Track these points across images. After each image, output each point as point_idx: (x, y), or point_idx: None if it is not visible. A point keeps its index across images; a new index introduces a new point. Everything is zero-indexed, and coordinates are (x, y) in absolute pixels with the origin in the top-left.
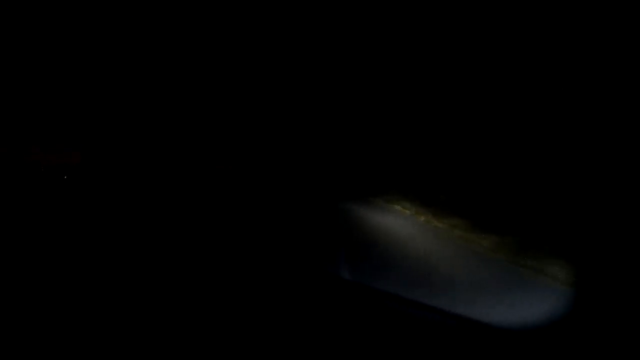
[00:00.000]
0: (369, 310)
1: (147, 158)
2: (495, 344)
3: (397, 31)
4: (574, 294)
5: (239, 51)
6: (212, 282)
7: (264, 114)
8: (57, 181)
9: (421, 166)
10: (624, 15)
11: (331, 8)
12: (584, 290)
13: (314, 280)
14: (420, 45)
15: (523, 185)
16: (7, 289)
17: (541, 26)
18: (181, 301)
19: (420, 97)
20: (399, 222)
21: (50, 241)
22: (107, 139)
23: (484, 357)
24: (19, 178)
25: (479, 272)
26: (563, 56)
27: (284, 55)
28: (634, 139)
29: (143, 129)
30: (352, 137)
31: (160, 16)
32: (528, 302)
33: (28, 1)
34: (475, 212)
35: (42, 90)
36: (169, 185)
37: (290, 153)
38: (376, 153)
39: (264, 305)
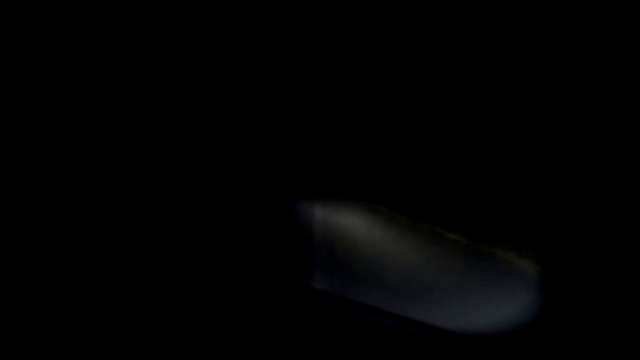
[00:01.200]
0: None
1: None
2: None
3: (388, 32)
4: (552, 286)
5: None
6: (174, 291)
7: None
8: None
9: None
10: (624, 15)
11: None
12: (553, 282)
13: (288, 292)
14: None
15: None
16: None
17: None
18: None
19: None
20: (381, 227)
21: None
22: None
23: None
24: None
25: (471, 276)
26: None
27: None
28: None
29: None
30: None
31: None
32: (499, 299)
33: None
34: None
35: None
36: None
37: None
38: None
39: (235, 318)
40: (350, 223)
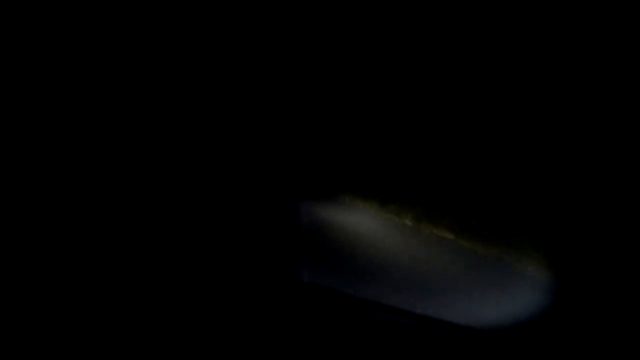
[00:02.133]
0: (336, 314)
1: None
2: (468, 345)
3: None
4: (553, 286)
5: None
6: (172, 287)
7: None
8: None
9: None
10: (624, 15)
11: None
12: (562, 283)
13: (278, 285)
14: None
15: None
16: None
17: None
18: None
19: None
20: (367, 221)
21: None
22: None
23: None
24: None
25: (457, 270)
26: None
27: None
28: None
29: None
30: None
31: None
32: (505, 299)
33: None
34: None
35: None
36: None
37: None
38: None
39: (227, 309)
40: (351, 220)
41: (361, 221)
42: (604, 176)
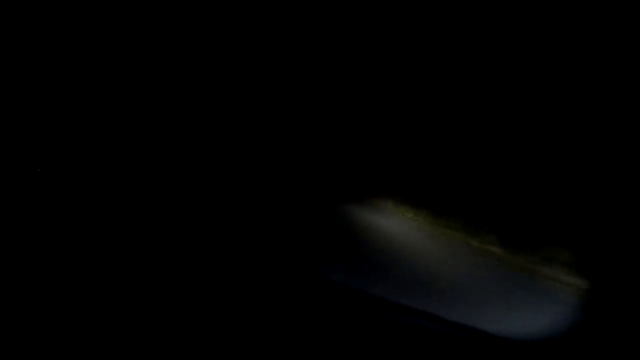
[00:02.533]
0: (364, 317)
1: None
2: (500, 355)
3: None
4: (585, 302)
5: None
6: (201, 283)
7: (254, 111)
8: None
9: (413, 166)
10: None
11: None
12: (596, 298)
13: (307, 284)
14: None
15: (519, 185)
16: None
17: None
18: (169, 302)
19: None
20: (395, 224)
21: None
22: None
23: None
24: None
25: (480, 275)
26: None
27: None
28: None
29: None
30: (345, 136)
31: None
32: (539, 311)
33: None
34: (472, 212)
35: None
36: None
37: (282, 151)
38: (368, 152)
39: (255, 307)
40: (383, 225)
41: (393, 225)
42: (635, 180)
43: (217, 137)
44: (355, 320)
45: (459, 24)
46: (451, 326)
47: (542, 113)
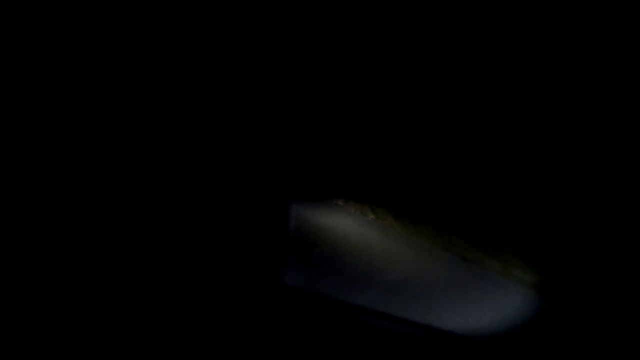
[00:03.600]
0: (319, 318)
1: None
2: (456, 350)
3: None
4: (536, 294)
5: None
6: (157, 285)
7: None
8: None
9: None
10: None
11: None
12: (546, 291)
13: (262, 287)
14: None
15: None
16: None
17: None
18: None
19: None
20: (356, 225)
21: None
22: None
23: None
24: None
25: (438, 273)
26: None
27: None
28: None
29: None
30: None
31: None
32: (495, 306)
33: None
34: (432, 212)
35: None
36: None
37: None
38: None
39: (212, 308)
40: (338, 226)
41: (352, 226)
42: (588, 182)
43: (176, 140)
44: (311, 321)
45: (433, 41)
46: (408, 324)
47: (494, 119)
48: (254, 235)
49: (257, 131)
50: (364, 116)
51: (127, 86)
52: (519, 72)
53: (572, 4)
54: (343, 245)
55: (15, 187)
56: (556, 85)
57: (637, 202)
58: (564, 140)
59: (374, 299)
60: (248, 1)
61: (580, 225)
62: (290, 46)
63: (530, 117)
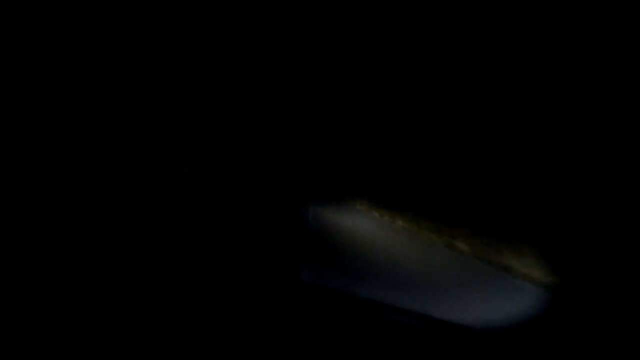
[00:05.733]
0: (337, 314)
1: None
2: (473, 345)
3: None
4: (548, 293)
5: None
6: (177, 283)
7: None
8: None
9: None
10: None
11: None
12: (560, 291)
13: (281, 283)
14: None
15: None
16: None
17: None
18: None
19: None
20: (371, 224)
21: None
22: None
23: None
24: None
25: (450, 271)
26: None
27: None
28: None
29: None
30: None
31: None
32: (506, 303)
33: None
34: (444, 211)
35: None
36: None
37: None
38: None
39: (234, 310)
40: (353, 224)
41: (364, 224)
42: (598, 180)
43: (191, 141)
44: (329, 317)
45: (427, 42)
46: (421, 318)
47: (503, 117)
48: (273, 234)
49: (269, 128)
50: (375, 113)
51: (121, 73)
52: (528, 67)
53: (572, 4)
54: (359, 243)
55: (15, 187)
56: (572, 77)
57: None
58: (563, 138)
59: (385, 294)
60: None
61: (585, 218)
62: (318, 41)
63: (541, 113)
